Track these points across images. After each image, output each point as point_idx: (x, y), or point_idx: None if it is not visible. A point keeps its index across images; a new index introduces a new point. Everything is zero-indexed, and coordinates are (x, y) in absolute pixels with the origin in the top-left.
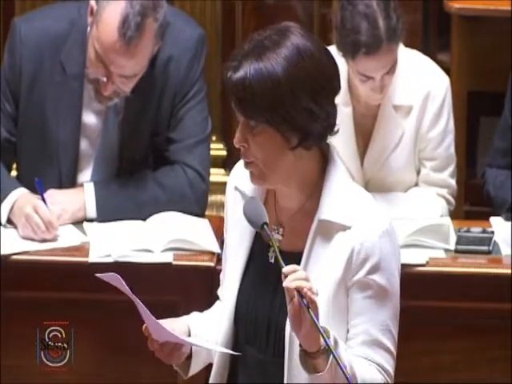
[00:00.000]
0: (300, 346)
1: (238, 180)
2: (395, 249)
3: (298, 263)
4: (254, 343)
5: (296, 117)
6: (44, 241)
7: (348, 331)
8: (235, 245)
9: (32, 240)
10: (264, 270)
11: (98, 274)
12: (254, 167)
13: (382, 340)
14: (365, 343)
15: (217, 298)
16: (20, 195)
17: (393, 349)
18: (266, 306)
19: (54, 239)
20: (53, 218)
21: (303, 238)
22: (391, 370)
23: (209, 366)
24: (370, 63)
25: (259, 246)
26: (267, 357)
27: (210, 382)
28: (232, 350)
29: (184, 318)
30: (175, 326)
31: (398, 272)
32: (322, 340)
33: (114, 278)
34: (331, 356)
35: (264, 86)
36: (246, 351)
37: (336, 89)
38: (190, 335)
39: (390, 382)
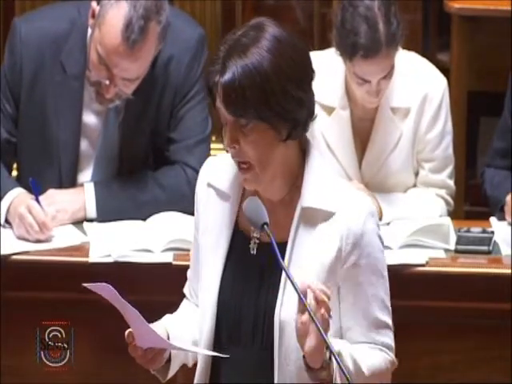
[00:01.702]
0: (303, 356)
1: (211, 176)
2: (379, 227)
3: (283, 253)
4: (238, 340)
5: (286, 107)
6: (38, 241)
7: (343, 319)
8: (213, 241)
9: (26, 240)
10: (246, 262)
11: (86, 284)
12: (248, 171)
13: (382, 318)
14: (367, 326)
15: (183, 296)
16: (17, 195)
17: (391, 323)
18: (252, 299)
19: (47, 240)
20: (46, 218)
21: (287, 228)
22: (393, 344)
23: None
24: (367, 66)
25: (239, 240)
26: (254, 351)
27: (194, 382)
28: (214, 348)
29: (160, 322)
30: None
31: (383, 245)
32: (325, 354)
33: (104, 289)
34: (335, 366)
35: (253, 83)
36: (230, 349)
37: (312, 74)
38: (168, 338)
39: (394, 357)
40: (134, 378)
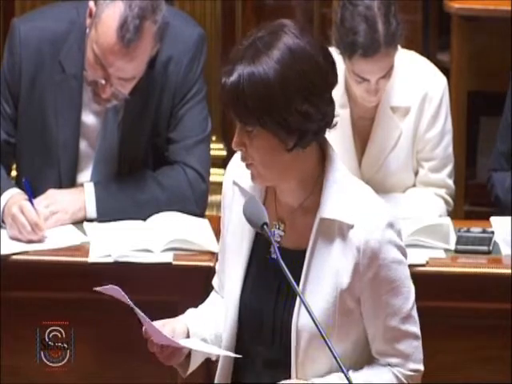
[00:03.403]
0: None
1: (236, 174)
2: (399, 236)
3: (301, 261)
4: (259, 342)
5: (290, 120)
6: (30, 242)
7: (368, 331)
8: (236, 241)
9: (18, 240)
10: (266, 267)
11: (98, 288)
12: (253, 168)
13: (405, 329)
14: (386, 338)
15: (211, 288)
16: (12, 195)
17: (417, 330)
18: (271, 304)
19: (40, 240)
20: (39, 218)
21: (305, 235)
22: (414, 351)
23: (207, 365)
24: (366, 65)
25: (261, 243)
26: (273, 355)
27: (215, 382)
28: (237, 349)
29: (181, 317)
30: (174, 327)
31: (405, 255)
32: None
33: (114, 290)
34: None
35: (256, 91)
36: (252, 350)
37: (332, 83)
38: (188, 335)
39: (411, 366)
40: (133, 378)
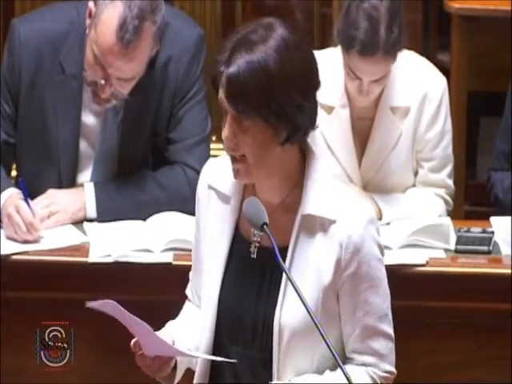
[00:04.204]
0: None
1: (212, 178)
2: (378, 234)
3: (284, 259)
4: (239, 342)
5: (287, 110)
6: (26, 242)
7: (344, 329)
8: (213, 243)
9: (14, 240)
10: (246, 266)
11: (90, 303)
12: (241, 164)
13: (382, 328)
14: (362, 335)
15: (185, 297)
16: (9, 195)
17: (391, 331)
18: (252, 303)
19: (35, 240)
20: (34, 219)
21: (286, 232)
22: (389, 353)
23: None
24: (360, 64)
25: (239, 243)
26: (253, 353)
27: (194, 382)
28: (216, 348)
29: (165, 330)
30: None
31: (383, 254)
32: None
33: (110, 305)
34: None
35: (257, 79)
36: (230, 350)
37: (317, 84)
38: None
39: (385, 367)
40: (134, 378)
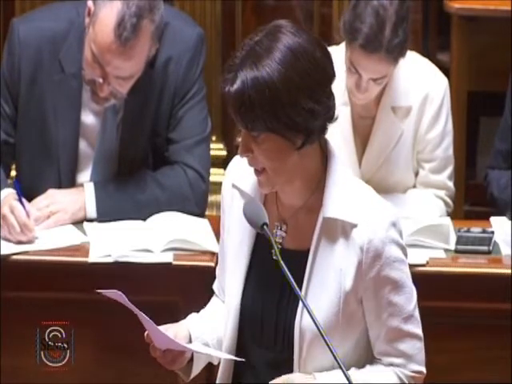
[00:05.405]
0: None
1: (235, 177)
2: (401, 236)
3: (304, 262)
4: (261, 343)
5: (297, 119)
6: (20, 242)
7: (370, 331)
8: (236, 243)
9: (8, 241)
10: (268, 267)
11: (102, 291)
12: (262, 175)
13: (407, 329)
14: (391, 339)
15: (212, 292)
16: (5, 196)
17: (418, 331)
18: (273, 306)
19: (30, 241)
20: (28, 219)
21: (307, 235)
22: (417, 353)
23: (209, 367)
24: (362, 59)
25: (262, 244)
26: (275, 356)
27: (217, 382)
28: (238, 350)
29: (183, 322)
30: (177, 332)
31: (406, 255)
32: None
33: (117, 295)
34: None
35: (262, 96)
36: (254, 352)
37: (331, 76)
38: (190, 340)
39: (413, 367)
40: (134, 378)
